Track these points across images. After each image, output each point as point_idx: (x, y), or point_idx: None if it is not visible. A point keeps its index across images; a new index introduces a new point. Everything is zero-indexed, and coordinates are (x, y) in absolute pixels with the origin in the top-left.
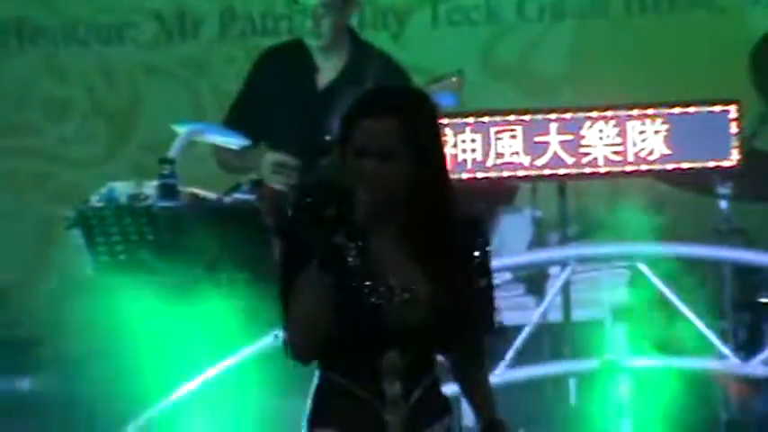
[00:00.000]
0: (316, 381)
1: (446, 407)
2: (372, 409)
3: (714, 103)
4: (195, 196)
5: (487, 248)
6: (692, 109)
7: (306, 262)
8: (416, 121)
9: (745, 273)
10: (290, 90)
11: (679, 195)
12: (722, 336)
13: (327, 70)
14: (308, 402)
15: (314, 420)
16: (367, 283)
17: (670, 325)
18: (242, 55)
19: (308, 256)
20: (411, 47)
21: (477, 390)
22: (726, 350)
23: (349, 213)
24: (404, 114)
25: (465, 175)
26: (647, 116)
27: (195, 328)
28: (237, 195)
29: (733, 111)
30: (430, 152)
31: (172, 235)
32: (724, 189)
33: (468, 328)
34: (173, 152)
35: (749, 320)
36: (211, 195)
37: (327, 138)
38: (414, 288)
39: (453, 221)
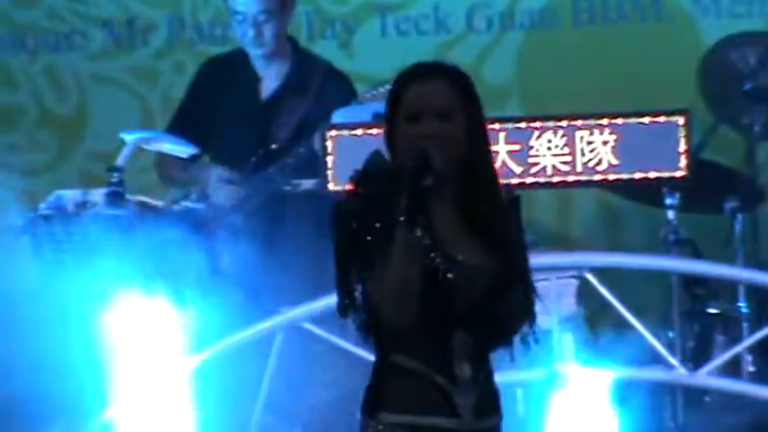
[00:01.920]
0: (378, 364)
1: (500, 401)
2: (443, 391)
3: (662, 114)
4: (143, 204)
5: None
6: (640, 119)
7: (383, 242)
8: (465, 84)
9: (693, 283)
10: (232, 99)
11: (627, 206)
12: (670, 346)
13: (270, 79)
14: (371, 386)
15: (380, 405)
16: (438, 259)
17: (617, 335)
18: (191, 63)
19: (384, 235)
20: (359, 56)
21: None
22: (673, 360)
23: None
24: (453, 77)
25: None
26: (595, 126)
27: (140, 334)
28: (186, 203)
29: (681, 121)
30: (480, 114)
31: (119, 242)
32: (672, 199)
33: (524, 308)
34: (121, 160)
35: (697, 331)
36: (159, 203)
37: (273, 146)
38: (481, 264)
39: (502, 194)
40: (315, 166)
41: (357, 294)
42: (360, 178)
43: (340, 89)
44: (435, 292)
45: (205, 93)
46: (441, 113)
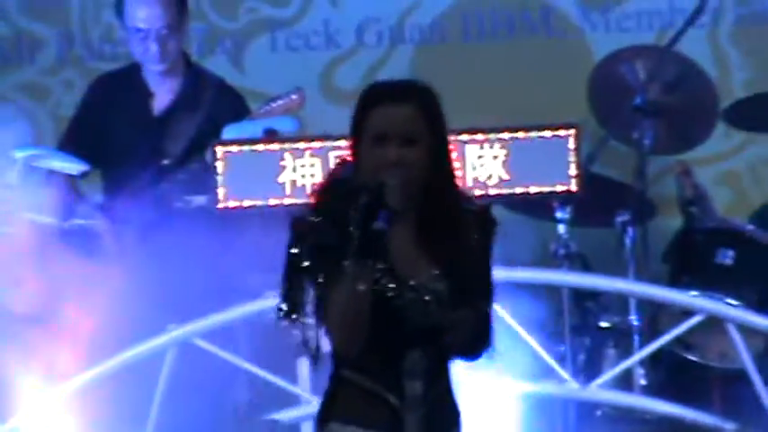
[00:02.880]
0: (332, 376)
1: (458, 417)
2: (391, 407)
3: (553, 128)
4: (33, 222)
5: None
6: (530, 134)
7: (337, 258)
8: (433, 107)
9: (584, 297)
10: (124, 115)
11: (517, 220)
12: (561, 360)
13: (162, 95)
14: (324, 396)
15: (329, 416)
16: (391, 285)
17: (509, 349)
18: (81, 80)
19: (339, 252)
20: (250, 72)
21: None
22: (565, 374)
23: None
24: (421, 101)
25: (304, 200)
26: (485, 141)
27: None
28: (77, 221)
29: (571, 135)
30: (445, 135)
31: (10, 261)
32: (563, 213)
33: (476, 324)
34: (11, 178)
35: (588, 344)
36: (50, 221)
37: (165, 162)
38: (438, 287)
39: (466, 213)
40: (208, 181)
41: (304, 307)
42: (319, 191)
43: (232, 105)
44: (385, 315)
45: (96, 109)
46: (406, 138)
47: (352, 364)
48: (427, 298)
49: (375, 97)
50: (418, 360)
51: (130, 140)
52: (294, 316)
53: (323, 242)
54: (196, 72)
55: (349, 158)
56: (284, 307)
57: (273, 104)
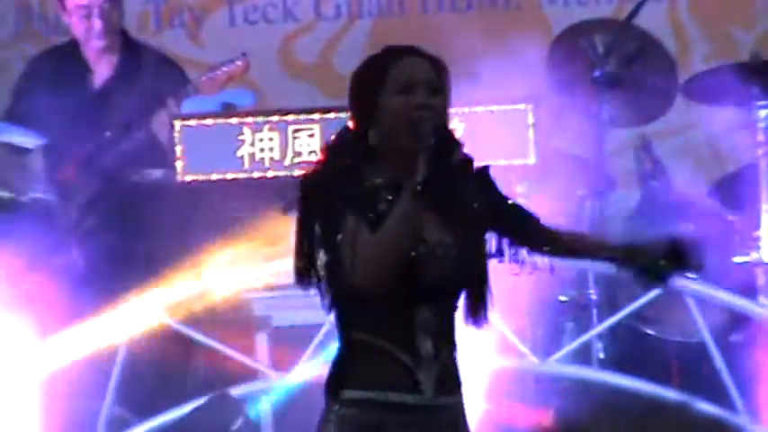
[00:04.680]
0: (340, 342)
1: (461, 380)
2: (405, 367)
3: (511, 102)
4: None
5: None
6: (488, 107)
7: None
8: (443, 66)
9: (543, 271)
10: (64, 91)
11: None
12: (520, 334)
13: (102, 70)
14: (333, 364)
15: (343, 383)
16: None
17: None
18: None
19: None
20: (208, 46)
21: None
22: (524, 348)
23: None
24: (433, 59)
25: (263, 174)
26: None
27: None
28: (34, 195)
29: (530, 109)
30: (449, 100)
31: None
32: (521, 188)
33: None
34: None
35: (547, 319)
36: (6, 194)
37: (107, 134)
38: (448, 243)
39: (469, 174)
40: (155, 152)
41: (319, 263)
42: (325, 151)
43: (172, 76)
44: (399, 269)
45: (36, 85)
46: (432, 87)
47: (361, 325)
48: (440, 253)
49: (396, 53)
50: (429, 318)
51: (71, 115)
52: (311, 273)
53: (337, 196)
54: (134, 46)
55: (350, 127)
56: (305, 269)
57: (218, 71)
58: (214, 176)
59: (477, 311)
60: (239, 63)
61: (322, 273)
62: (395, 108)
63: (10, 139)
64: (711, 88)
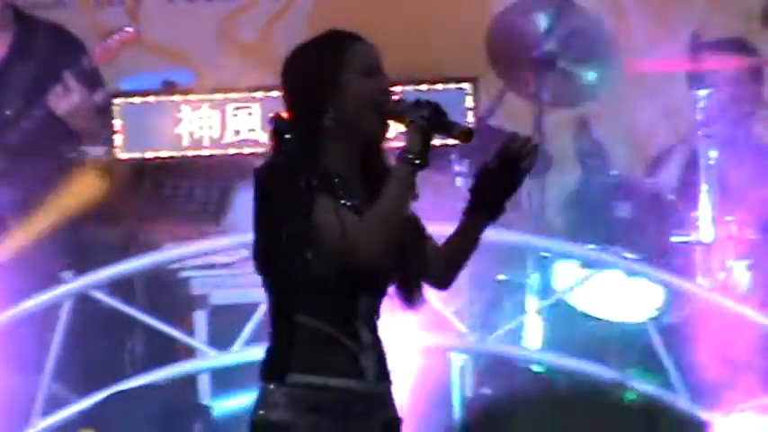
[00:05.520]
0: (280, 326)
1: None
2: (351, 353)
3: (451, 81)
4: None
5: None
6: (429, 86)
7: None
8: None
9: (483, 250)
10: None
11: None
12: (458, 313)
13: None
14: (273, 348)
15: (288, 366)
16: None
17: None
18: None
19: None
20: (147, 24)
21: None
22: (462, 327)
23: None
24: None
25: (201, 152)
26: None
27: None
28: None
29: (469, 89)
30: None
31: None
32: (460, 167)
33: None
34: None
35: (486, 298)
36: None
37: (7, 113)
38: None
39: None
40: (55, 127)
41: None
42: (275, 136)
43: (69, 48)
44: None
45: None
46: (384, 73)
47: (307, 309)
48: None
49: (346, 35)
50: (367, 306)
51: None
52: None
53: (304, 177)
54: (28, 22)
55: (281, 113)
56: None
57: (109, 40)
58: (151, 154)
59: (413, 295)
60: (130, 30)
61: (272, 257)
62: (361, 91)
63: None
64: (652, 68)
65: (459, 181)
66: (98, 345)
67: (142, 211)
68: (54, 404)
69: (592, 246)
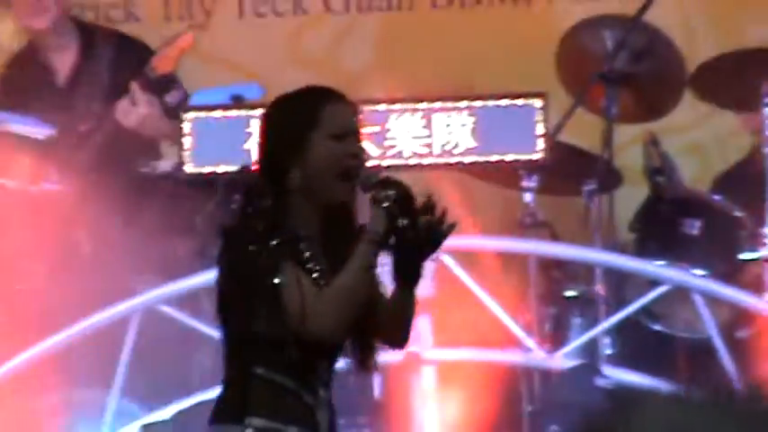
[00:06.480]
0: (236, 373)
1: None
2: (308, 407)
3: (520, 97)
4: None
5: None
6: (497, 102)
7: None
8: (361, 115)
9: (550, 266)
10: (31, 95)
11: (484, 188)
12: (527, 329)
13: (62, 67)
14: (229, 393)
15: (246, 410)
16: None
17: (475, 317)
18: None
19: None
20: (217, 38)
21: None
22: (530, 343)
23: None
24: (356, 107)
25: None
26: (453, 109)
27: None
28: (46, 185)
29: (539, 104)
30: None
31: None
32: (529, 182)
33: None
34: None
35: (553, 314)
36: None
37: (82, 128)
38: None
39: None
40: (124, 139)
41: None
42: (245, 195)
43: (134, 54)
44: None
45: (9, 101)
46: (359, 137)
47: (267, 362)
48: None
49: (321, 95)
50: (326, 367)
51: (42, 117)
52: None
53: (265, 243)
54: (90, 32)
55: (250, 165)
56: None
57: (168, 48)
58: (221, 169)
59: (367, 358)
60: (185, 37)
61: (235, 314)
62: (329, 153)
63: (18, 129)
64: (717, 84)
65: (527, 196)
66: (166, 359)
67: (210, 225)
68: (123, 418)
69: (661, 262)
